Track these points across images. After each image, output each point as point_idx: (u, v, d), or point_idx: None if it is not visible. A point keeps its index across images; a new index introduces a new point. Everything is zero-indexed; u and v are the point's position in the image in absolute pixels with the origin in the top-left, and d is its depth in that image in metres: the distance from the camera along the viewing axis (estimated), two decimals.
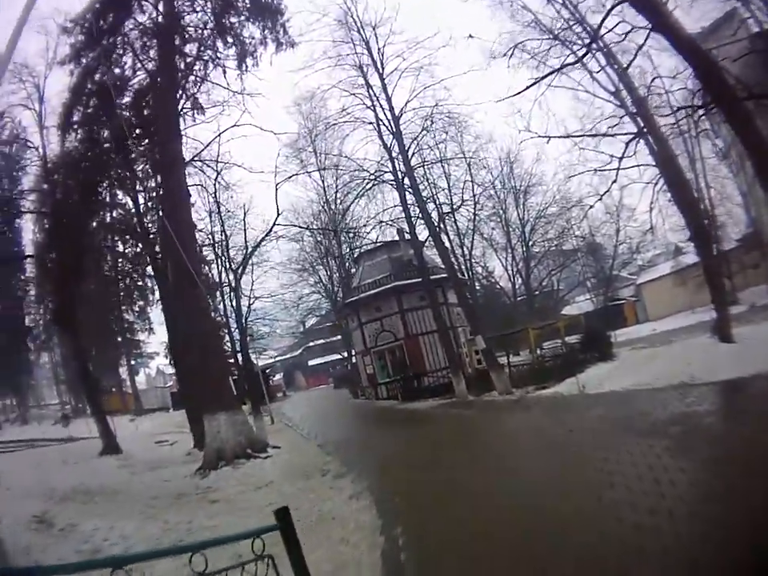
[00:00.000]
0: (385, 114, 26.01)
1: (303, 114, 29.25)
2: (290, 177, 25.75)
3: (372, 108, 26.35)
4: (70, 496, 12.56)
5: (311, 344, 68.46)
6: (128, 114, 22.39)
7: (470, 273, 37.03)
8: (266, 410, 30.82)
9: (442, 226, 27.06)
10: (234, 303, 27.50)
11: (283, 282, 44.78)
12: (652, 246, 37.60)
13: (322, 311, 52.16)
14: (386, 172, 26.77)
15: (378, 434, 19.44)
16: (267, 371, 62.94)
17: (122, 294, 29.37)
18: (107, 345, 40.44)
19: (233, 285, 26.50)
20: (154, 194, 22.45)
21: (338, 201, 36.40)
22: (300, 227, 27.88)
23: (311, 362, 70.40)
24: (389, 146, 26.13)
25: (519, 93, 17.41)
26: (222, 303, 32.76)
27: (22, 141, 26.42)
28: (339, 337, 50.49)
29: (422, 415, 21.89)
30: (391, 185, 26.85)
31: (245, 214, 27.03)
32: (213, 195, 26.06)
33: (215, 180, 25.02)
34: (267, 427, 25.96)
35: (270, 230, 25.87)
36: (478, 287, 40.17)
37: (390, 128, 25.87)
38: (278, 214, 24.89)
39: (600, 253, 40.80)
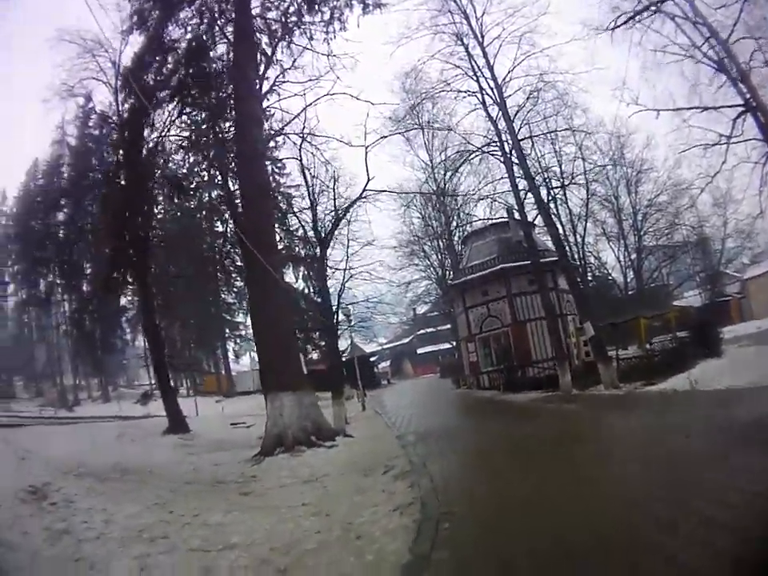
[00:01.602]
0: (488, 83, 23.93)
1: (405, 86, 27.00)
2: (382, 138, 23.35)
3: (475, 78, 24.28)
4: (95, 472, 11.36)
5: (421, 332, 67.09)
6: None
7: (583, 260, 35.72)
8: (359, 396, 29.61)
9: (551, 204, 25.38)
10: (316, 278, 25.79)
11: (391, 264, 43.62)
12: (760, 239, 36.49)
13: (432, 298, 49.91)
14: (492, 143, 24.53)
15: (465, 428, 17.14)
16: (372, 358, 62.70)
17: (218, 274, 28.81)
18: (206, 325, 40.70)
19: (318, 256, 24.51)
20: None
21: (445, 175, 33.69)
22: (393, 192, 25.58)
23: (420, 351, 69.50)
24: (495, 118, 24.01)
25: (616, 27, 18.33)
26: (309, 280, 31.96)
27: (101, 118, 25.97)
28: (449, 326, 48.46)
29: (521, 409, 19.72)
30: (498, 159, 24.62)
31: (335, 181, 25.14)
32: (299, 167, 24.45)
33: (299, 149, 23.37)
34: (356, 414, 25.12)
35: (361, 195, 23.71)
36: (590, 278, 39.07)
37: (494, 98, 23.77)
38: (369, 179, 22.62)
39: (708, 246, 40.58)
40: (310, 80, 21.45)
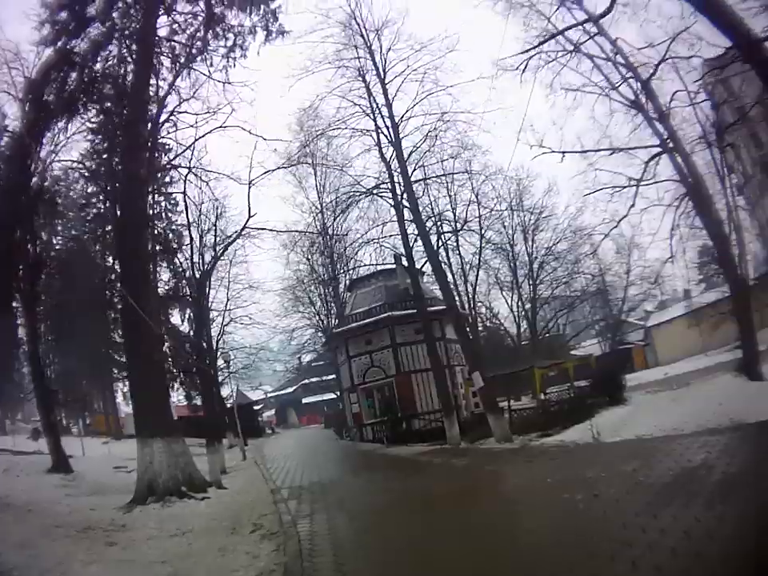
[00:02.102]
0: (385, 122, 23.78)
1: (301, 123, 26.31)
2: (266, 172, 21.78)
3: (372, 117, 24.01)
4: None
5: (306, 381, 65.97)
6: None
7: (473, 310, 35.03)
8: (239, 446, 28.52)
9: (442, 250, 24.88)
10: (195, 321, 24.74)
11: (275, 310, 42.69)
12: (668, 285, 35.51)
13: (317, 346, 49.06)
14: (383, 184, 24.28)
15: (343, 484, 16.33)
16: (258, 406, 60.95)
17: (107, 310, 27.12)
18: (97, 362, 38.21)
19: (194, 295, 23.63)
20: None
21: (334, 217, 32.51)
22: (274, 230, 24.38)
23: (305, 400, 68.20)
24: (389, 159, 23.72)
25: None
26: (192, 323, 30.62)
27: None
28: (334, 375, 47.76)
29: (405, 463, 19.07)
30: (388, 202, 24.34)
31: (216, 218, 24.63)
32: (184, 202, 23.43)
33: (184, 183, 22.38)
34: (237, 463, 24.13)
35: (240, 232, 22.65)
36: (480, 328, 38.18)
37: (389, 138, 23.58)
38: (249, 216, 21.44)
39: (609, 295, 39.38)
40: (208, 112, 20.70)
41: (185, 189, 22.58)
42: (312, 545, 8.30)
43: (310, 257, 40.92)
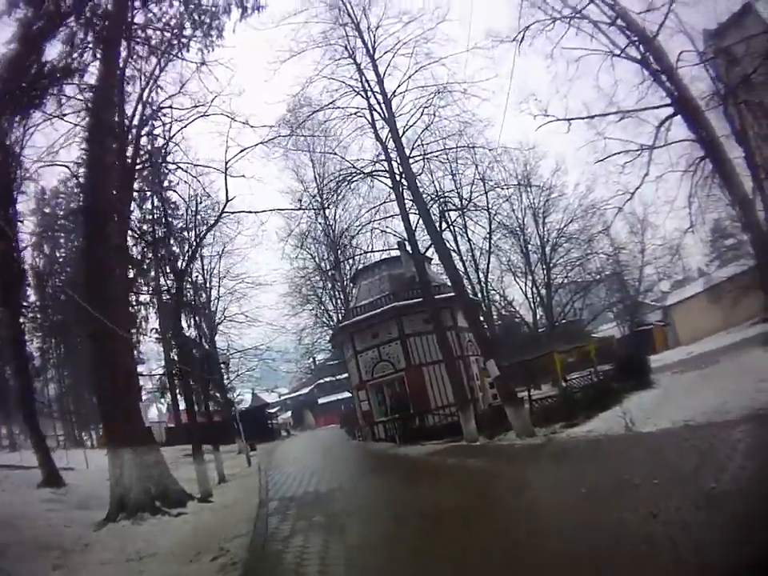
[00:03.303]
0: (377, 98, 22.00)
1: (289, 108, 24.61)
2: (242, 150, 20.18)
3: (364, 96, 22.29)
4: None
5: (321, 381, 64.59)
6: None
7: (486, 298, 33.92)
8: (245, 451, 27.17)
9: (449, 236, 23.38)
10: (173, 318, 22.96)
11: (284, 311, 41.51)
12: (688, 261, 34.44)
13: (329, 345, 47.67)
14: (380, 162, 22.60)
15: (341, 492, 13.90)
16: (274, 409, 59.64)
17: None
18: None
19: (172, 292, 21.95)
20: None
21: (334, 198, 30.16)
22: (252, 212, 22.57)
23: (321, 400, 66.65)
24: (384, 140, 21.88)
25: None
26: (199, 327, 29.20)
27: None
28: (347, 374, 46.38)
29: (415, 466, 17.04)
30: (386, 184, 22.68)
31: (197, 204, 22.58)
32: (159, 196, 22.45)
33: (158, 174, 21.45)
34: (240, 470, 23.22)
35: (219, 219, 21.30)
36: (495, 317, 37.13)
37: (382, 115, 21.85)
38: (227, 200, 20.01)
39: (624, 276, 38.37)
40: (196, 106, 19.85)
41: (159, 179, 21.71)
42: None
43: (315, 252, 39.64)
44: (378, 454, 22.84)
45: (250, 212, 21.14)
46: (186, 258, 22.27)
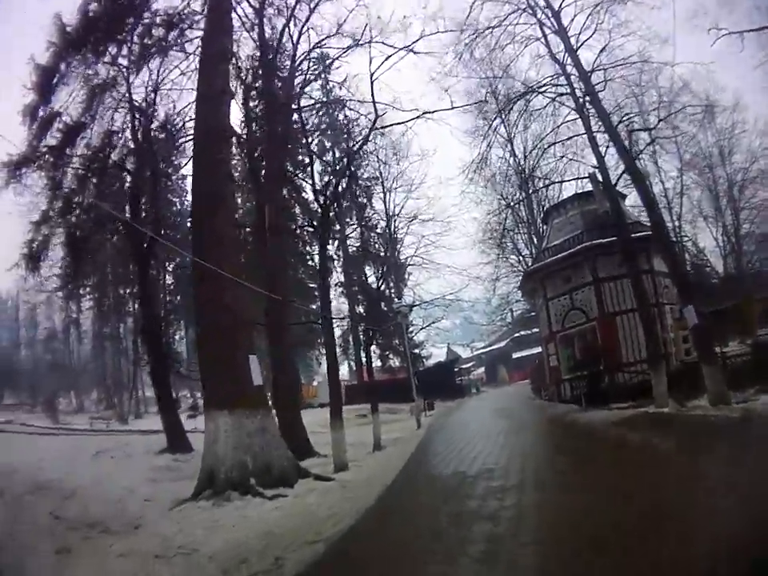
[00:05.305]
0: (545, 13, 20.31)
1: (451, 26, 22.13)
2: (389, 56, 18.76)
3: (530, 10, 20.69)
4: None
5: (517, 335, 60.97)
6: None
7: (680, 241, 31.37)
8: (414, 411, 25.83)
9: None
10: (320, 255, 21.03)
11: (478, 259, 40.03)
12: None
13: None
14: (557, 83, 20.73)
15: (490, 472, 9.90)
16: (468, 365, 57.60)
17: None
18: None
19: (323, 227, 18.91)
20: None
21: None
22: (418, 117, 20.09)
23: (515, 355, 63.15)
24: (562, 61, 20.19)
25: None
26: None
27: None
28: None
29: (591, 440, 13.43)
30: (570, 107, 20.69)
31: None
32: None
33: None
34: (407, 434, 21.75)
35: (371, 130, 19.66)
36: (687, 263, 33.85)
37: (552, 26, 20.05)
38: (377, 116, 18.44)
39: None
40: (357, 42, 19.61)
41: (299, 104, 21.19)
42: None
43: (504, 191, 36.44)
44: (557, 420, 19.44)
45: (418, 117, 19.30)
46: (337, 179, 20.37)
